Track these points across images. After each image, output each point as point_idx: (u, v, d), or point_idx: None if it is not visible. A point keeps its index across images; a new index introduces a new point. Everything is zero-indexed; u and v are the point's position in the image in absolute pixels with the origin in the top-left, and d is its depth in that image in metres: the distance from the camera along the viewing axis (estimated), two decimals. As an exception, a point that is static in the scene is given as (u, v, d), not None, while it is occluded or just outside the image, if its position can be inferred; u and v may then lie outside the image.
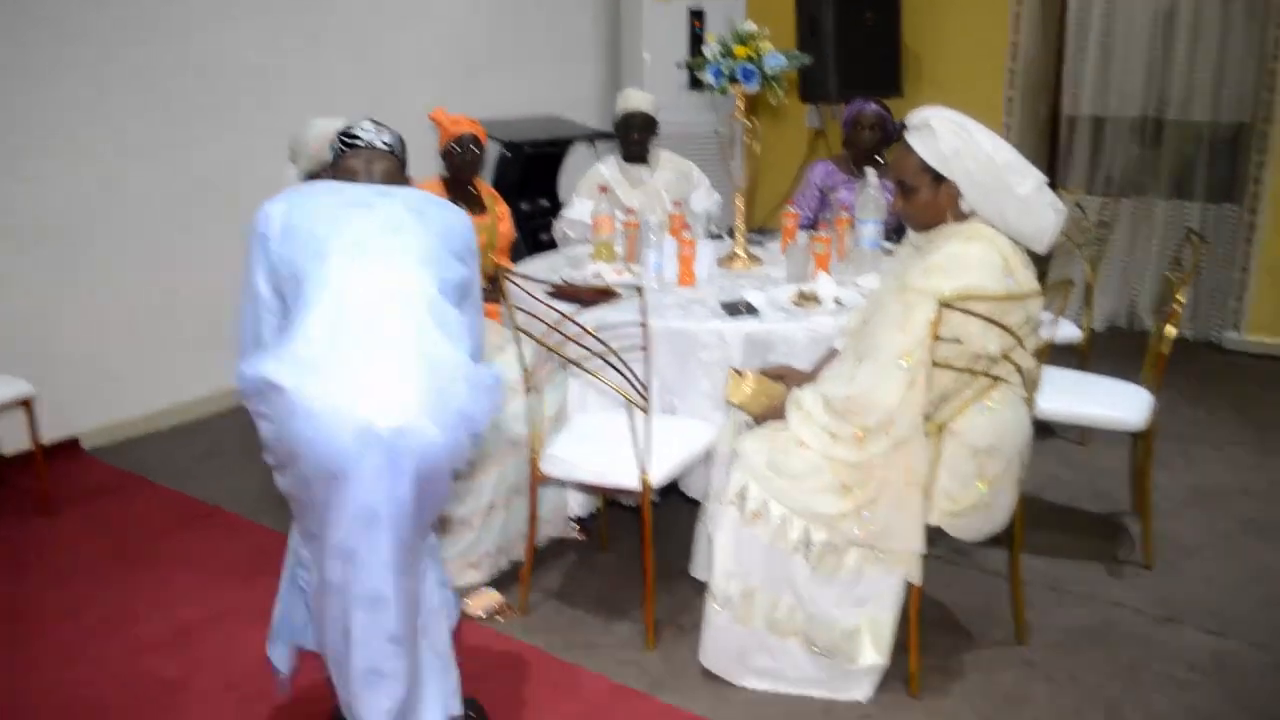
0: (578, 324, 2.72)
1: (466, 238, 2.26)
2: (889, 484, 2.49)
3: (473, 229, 2.28)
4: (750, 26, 3.55)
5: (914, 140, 2.53)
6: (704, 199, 4.68)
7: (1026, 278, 2.52)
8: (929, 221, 2.59)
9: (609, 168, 4.59)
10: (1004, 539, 2.84)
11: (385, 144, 2.36)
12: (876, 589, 2.58)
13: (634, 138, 4.50)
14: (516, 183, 5.67)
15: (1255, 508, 3.77)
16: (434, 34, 5.72)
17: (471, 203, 4.35)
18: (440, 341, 2.03)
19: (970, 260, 2.47)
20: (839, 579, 2.57)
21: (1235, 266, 5.57)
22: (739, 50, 3.52)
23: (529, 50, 6.22)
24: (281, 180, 3.27)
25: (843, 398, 2.50)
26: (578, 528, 3.59)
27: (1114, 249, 5.76)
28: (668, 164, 4.65)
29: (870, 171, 3.75)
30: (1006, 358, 2.49)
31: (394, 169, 2.37)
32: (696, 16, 6.47)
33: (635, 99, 4.50)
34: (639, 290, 2.61)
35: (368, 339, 2.00)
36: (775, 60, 3.52)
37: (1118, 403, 3.30)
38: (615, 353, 2.67)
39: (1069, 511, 3.78)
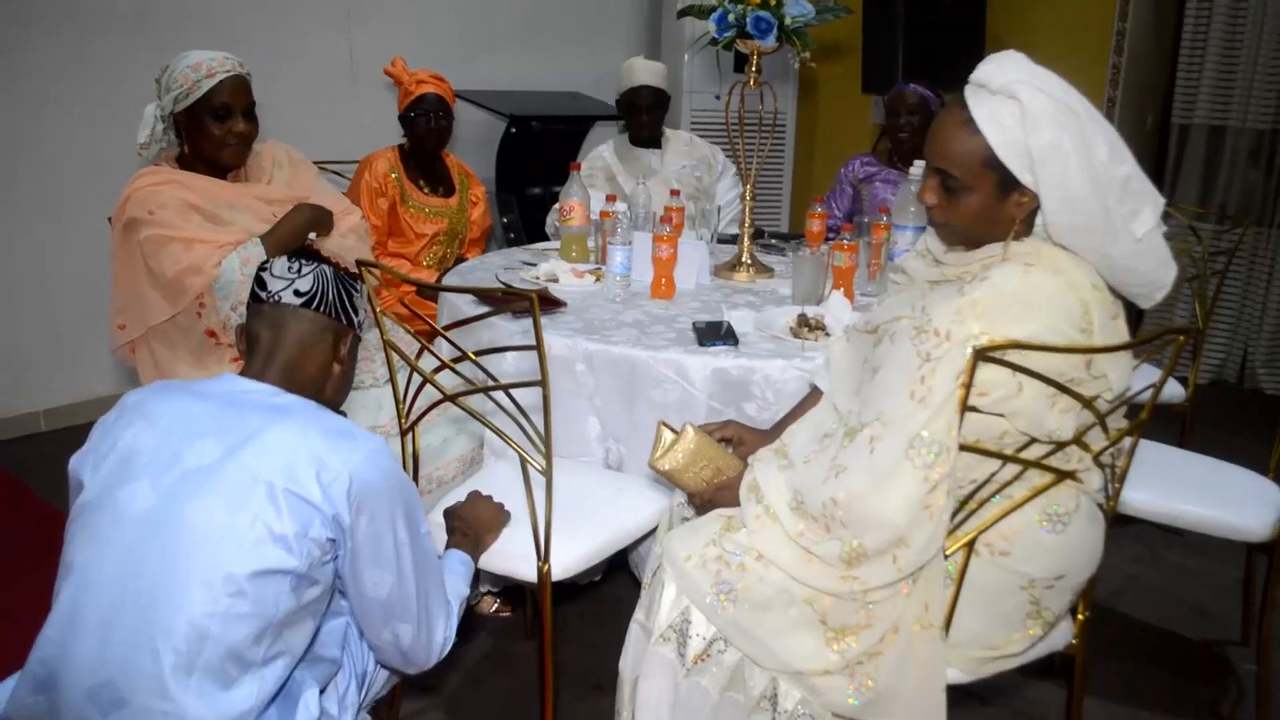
0: (453, 343, 1.90)
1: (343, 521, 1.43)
2: (897, 629, 1.63)
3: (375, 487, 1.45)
4: (771, -35, 2.70)
5: (979, 112, 1.58)
6: (729, 189, 3.86)
7: (1114, 333, 1.63)
8: (975, 238, 1.70)
9: (610, 150, 3.80)
10: (1057, 667, 1.98)
11: (301, 295, 1.58)
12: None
13: (642, 119, 3.71)
14: (525, 164, 4.92)
15: None
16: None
17: (436, 181, 3.59)
18: None
19: (1033, 300, 1.56)
20: None
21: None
22: (753, -6, 2.67)
23: (558, 18, 5.44)
24: (133, 130, 2.49)
25: (825, 499, 1.59)
26: (498, 601, 2.78)
27: (1225, 287, 4.77)
28: (683, 148, 3.84)
29: (917, 165, 2.86)
30: (1080, 444, 1.61)
31: (314, 336, 1.59)
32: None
33: (641, 71, 3.70)
34: (534, 297, 1.77)
35: None
36: (799, 8, 2.66)
37: (1234, 500, 2.37)
38: (502, 385, 1.84)
39: (1153, 633, 2.84)
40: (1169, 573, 3.13)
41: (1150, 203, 1.63)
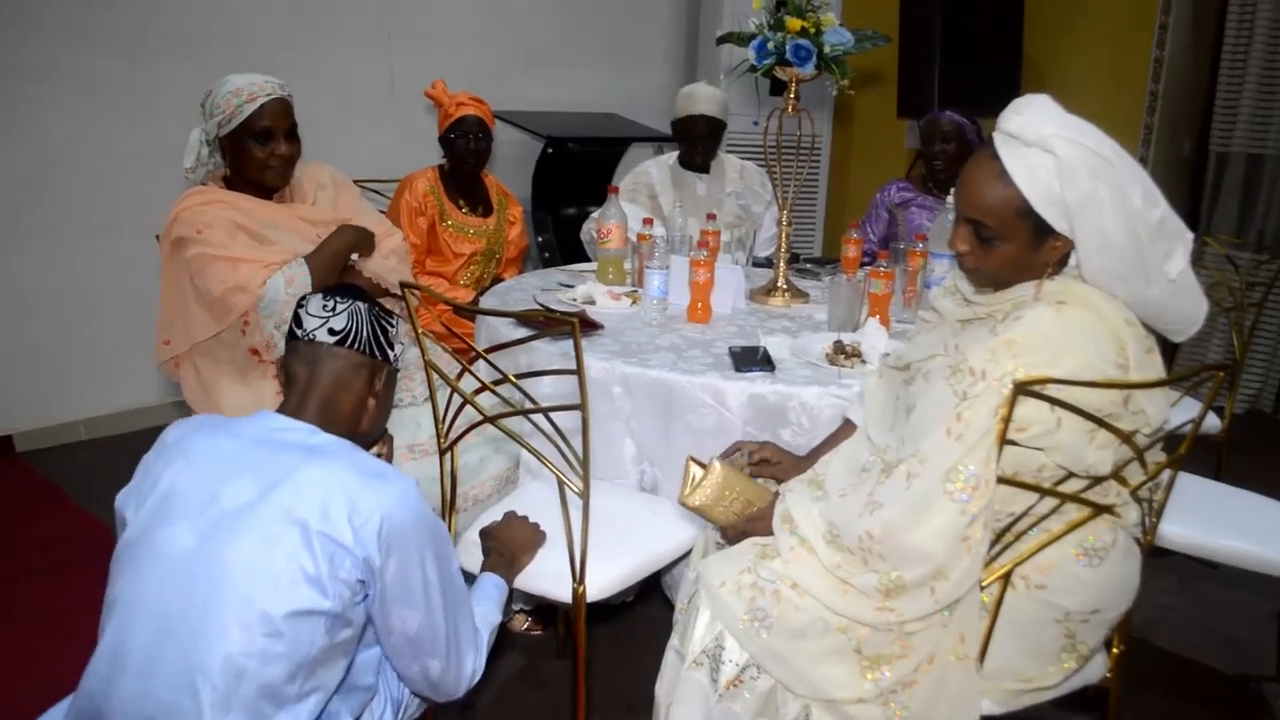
0: (495, 365, 1.93)
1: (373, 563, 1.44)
2: (932, 660, 1.63)
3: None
4: (811, -7, 2.73)
5: (1013, 165, 1.57)
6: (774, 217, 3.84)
7: (1150, 367, 1.63)
8: (1006, 282, 1.69)
9: (659, 168, 3.79)
10: (1090, 700, 1.97)
11: (335, 333, 1.59)
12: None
13: (698, 146, 3.70)
14: (561, 184, 4.96)
15: None
16: (489, 13, 5.03)
17: (475, 201, 3.63)
18: None
19: (1069, 339, 1.56)
20: None
21: None
22: (792, 23, 2.70)
23: (593, 41, 5.49)
24: (181, 149, 2.55)
25: (860, 532, 1.60)
26: (529, 619, 2.80)
27: (1262, 316, 4.73)
28: (733, 175, 3.83)
29: (954, 193, 2.86)
30: (1119, 478, 1.61)
31: (349, 372, 1.60)
32: (779, 6, 5.62)
33: (702, 100, 3.64)
34: (576, 322, 1.80)
35: None
36: (838, 36, 2.68)
37: (1270, 533, 2.36)
38: (542, 409, 1.87)
39: (1186, 666, 2.82)
40: (1202, 605, 3.10)
41: (1182, 242, 1.63)
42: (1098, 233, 1.55)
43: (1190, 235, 1.64)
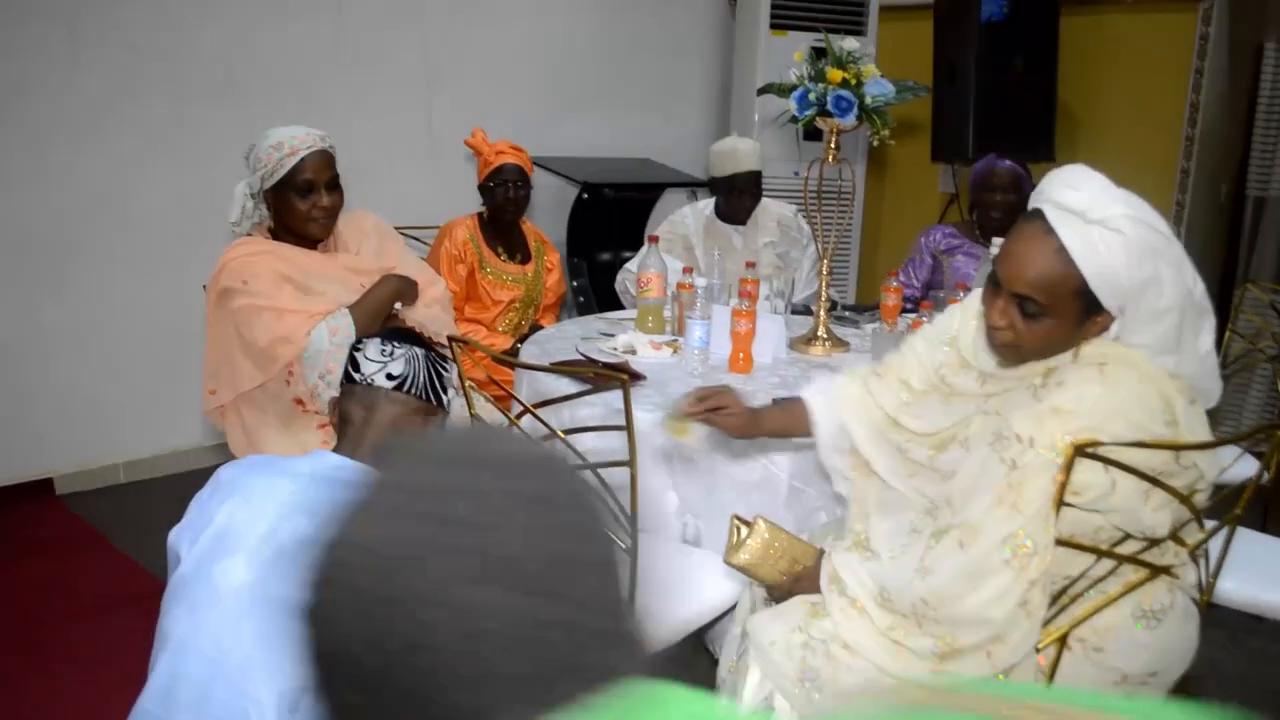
0: (543, 421, 1.93)
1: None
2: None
3: None
4: (853, 44, 2.74)
5: (1072, 240, 1.49)
6: (812, 260, 3.83)
7: (1197, 419, 1.61)
8: (1042, 355, 1.63)
9: (695, 217, 3.80)
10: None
11: (393, 379, 1.62)
12: None
13: (743, 203, 3.70)
14: (596, 230, 4.98)
15: None
16: (526, 60, 5.08)
17: (514, 248, 3.65)
18: None
19: (1116, 402, 1.53)
20: None
21: None
22: (834, 74, 2.71)
23: (629, 88, 5.53)
24: (227, 196, 2.58)
25: (914, 599, 1.58)
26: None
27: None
28: (769, 223, 3.82)
29: (997, 242, 2.86)
30: (1175, 539, 1.60)
31: (405, 418, 1.63)
32: (819, 56, 5.66)
33: (744, 157, 3.63)
34: (627, 376, 1.81)
35: None
36: (880, 88, 2.69)
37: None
38: (591, 465, 1.87)
39: (1237, 721, 2.78)
40: (1251, 659, 3.05)
41: (1209, 317, 1.62)
42: (1152, 312, 1.53)
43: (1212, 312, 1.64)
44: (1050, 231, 1.52)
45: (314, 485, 1.49)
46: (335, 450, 1.60)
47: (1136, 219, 1.49)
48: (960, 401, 1.79)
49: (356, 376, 1.63)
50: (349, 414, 1.62)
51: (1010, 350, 1.64)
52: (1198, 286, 1.58)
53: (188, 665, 1.40)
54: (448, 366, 1.71)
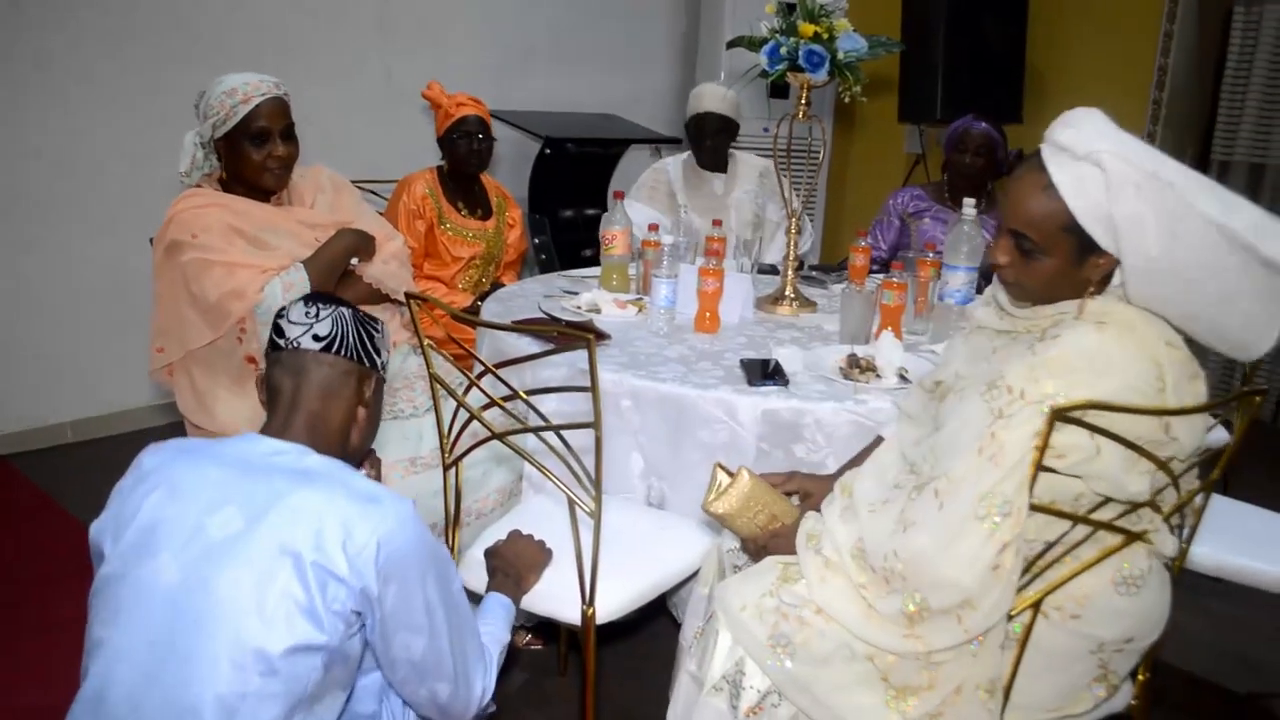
0: (505, 382, 1.86)
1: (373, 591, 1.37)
2: (959, 691, 1.57)
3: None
4: (824, -1, 2.67)
5: (1060, 177, 1.51)
6: (777, 212, 3.79)
7: (1190, 395, 1.57)
8: (1046, 298, 1.64)
9: (676, 166, 3.77)
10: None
11: (320, 339, 1.52)
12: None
13: (706, 144, 3.70)
14: (558, 186, 4.90)
15: None
16: (486, 10, 4.97)
17: (474, 203, 3.57)
18: None
19: (1108, 360, 1.50)
20: None
21: None
22: (805, 28, 2.64)
23: (591, 39, 5.42)
24: (176, 148, 2.48)
25: (888, 551, 1.55)
26: (530, 635, 2.73)
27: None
28: (751, 173, 3.80)
29: (968, 204, 2.81)
30: (1154, 506, 1.56)
31: (338, 380, 1.52)
32: (790, 10, 5.58)
33: (709, 98, 3.68)
34: (592, 339, 1.74)
35: None
36: (853, 43, 2.63)
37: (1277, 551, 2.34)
38: (554, 426, 1.81)
39: (1199, 687, 2.78)
40: (1214, 622, 3.05)
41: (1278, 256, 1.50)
42: (1142, 254, 1.49)
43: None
44: (1043, 168, 1.54)
45: (245, 474, 1.39)
46: (266, 428, 1.49)
47: (1121, 156, 1.46)
48: (973, 345, 1.76)
49: (281, 342, 1.52)
50: (278, 384, 1.51)
51: (1015, 289, 1.67)
52: (1239, 216, 1.47)
53: (118, 673, 1.32)
54: (378, 327, 1.62)
